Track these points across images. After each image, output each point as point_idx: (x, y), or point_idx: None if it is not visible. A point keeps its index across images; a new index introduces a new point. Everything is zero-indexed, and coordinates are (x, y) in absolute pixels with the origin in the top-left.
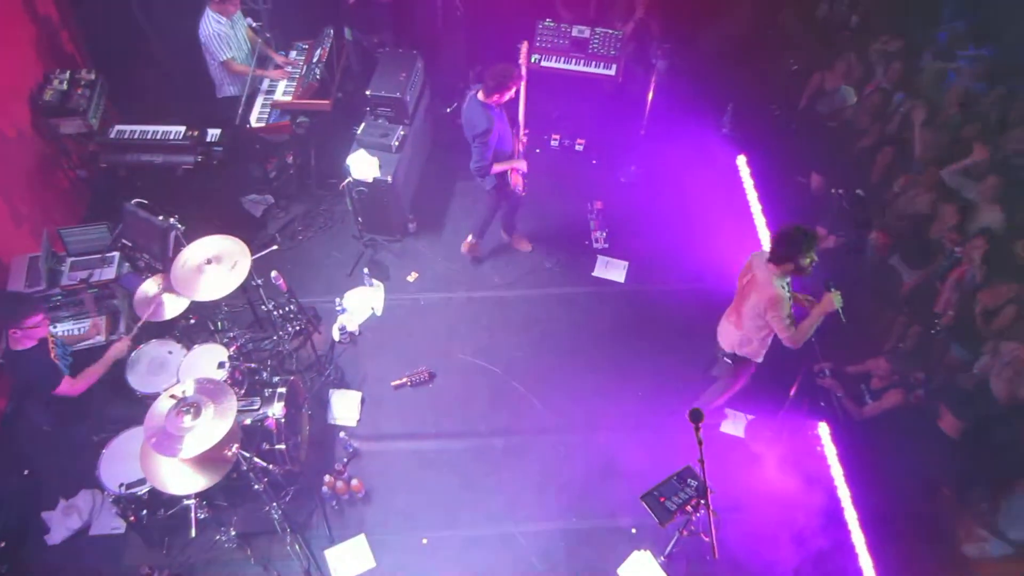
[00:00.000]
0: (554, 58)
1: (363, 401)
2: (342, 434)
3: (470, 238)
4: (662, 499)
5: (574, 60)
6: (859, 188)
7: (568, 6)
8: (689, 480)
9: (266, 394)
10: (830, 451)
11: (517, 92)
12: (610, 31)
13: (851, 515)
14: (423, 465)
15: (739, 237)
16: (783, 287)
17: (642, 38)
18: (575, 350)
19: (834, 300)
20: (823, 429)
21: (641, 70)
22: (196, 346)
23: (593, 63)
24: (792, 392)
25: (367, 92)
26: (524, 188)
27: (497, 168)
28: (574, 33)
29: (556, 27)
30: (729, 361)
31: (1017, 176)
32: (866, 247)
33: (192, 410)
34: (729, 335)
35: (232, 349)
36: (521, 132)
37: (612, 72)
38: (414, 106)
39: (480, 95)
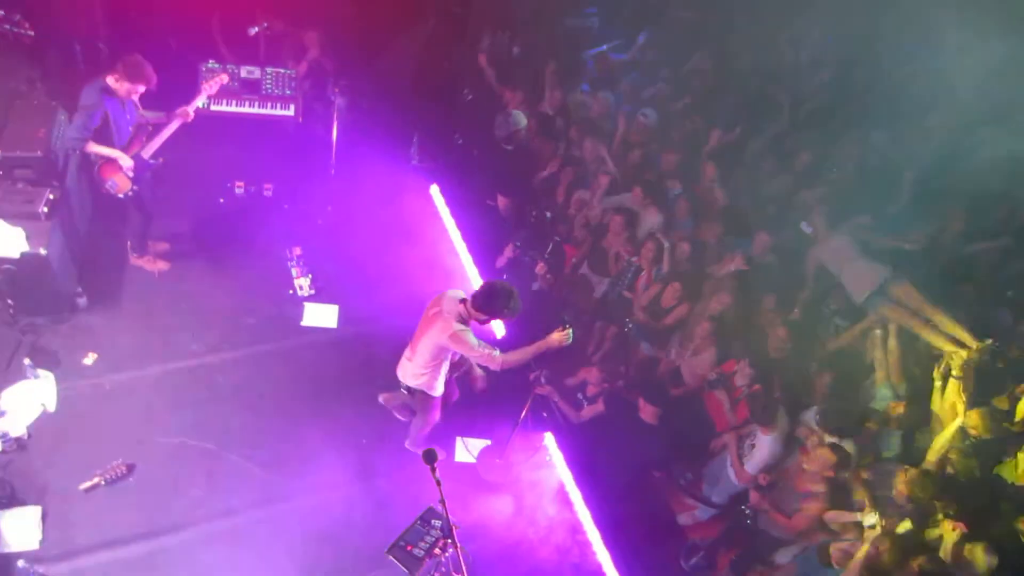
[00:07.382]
0: (224, 101)
1: (44, 516)
2: (21, 562)
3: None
4: (409, 547)
5: (247, 102)
6: (546, 208)
7: (231, 47)
8: (433, 521)
9: None
10: (558, 459)
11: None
12: (283, 70)
13: (584, 514)
14: (136, 573)
15: (444, 265)
16: (460, 329)
17: (317, 76)
18: (296, 407)
19: (564, 337)
20: (549, 438)
21: (321, 108)
22: None
23: (269, 104)
24: (522, 415)
25: None
26: (126, 192)
27: (96, 150)
28: (243, 74)
29: (222, 68)
30: (406, 392)
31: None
32: (561, 263)
33: None
34: (403, 367)
35: None
36: (147, 150)
37: (291, 112)
38: (63, 163)
39: (109, 79)
